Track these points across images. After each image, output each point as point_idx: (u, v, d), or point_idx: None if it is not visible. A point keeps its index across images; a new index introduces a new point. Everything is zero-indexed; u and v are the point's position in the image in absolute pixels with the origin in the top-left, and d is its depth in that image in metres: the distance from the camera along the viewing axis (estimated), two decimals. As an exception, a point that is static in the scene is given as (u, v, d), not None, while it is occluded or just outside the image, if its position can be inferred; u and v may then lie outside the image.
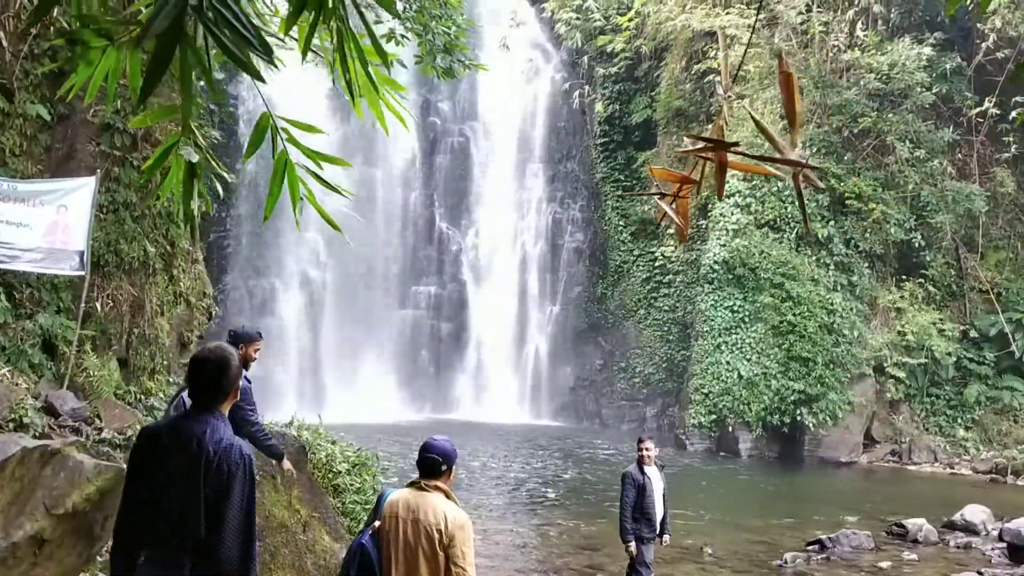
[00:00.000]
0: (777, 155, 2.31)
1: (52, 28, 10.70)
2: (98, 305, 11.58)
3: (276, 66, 2.57)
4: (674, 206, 2.66)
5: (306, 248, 27.51)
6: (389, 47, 12.67)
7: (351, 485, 7.53)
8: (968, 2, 23.27)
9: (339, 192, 2.89)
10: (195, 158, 2.79)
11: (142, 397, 12.15)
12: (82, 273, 10.15)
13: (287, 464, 6.35)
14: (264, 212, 2.94)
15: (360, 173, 28.63)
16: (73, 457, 4.69)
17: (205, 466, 3.29)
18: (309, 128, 2.84)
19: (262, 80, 2.63)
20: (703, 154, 2.43)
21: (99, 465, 4.77)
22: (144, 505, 3.36)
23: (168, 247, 12.92)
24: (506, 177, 30.86)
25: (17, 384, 9.21)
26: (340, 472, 7.41)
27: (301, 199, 2.87)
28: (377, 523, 4.32)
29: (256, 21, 2.31)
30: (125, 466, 4.27)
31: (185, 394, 5.11)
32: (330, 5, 2.34)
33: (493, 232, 30.41)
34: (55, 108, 11.68)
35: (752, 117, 2.66)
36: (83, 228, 9.95)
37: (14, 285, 10.34)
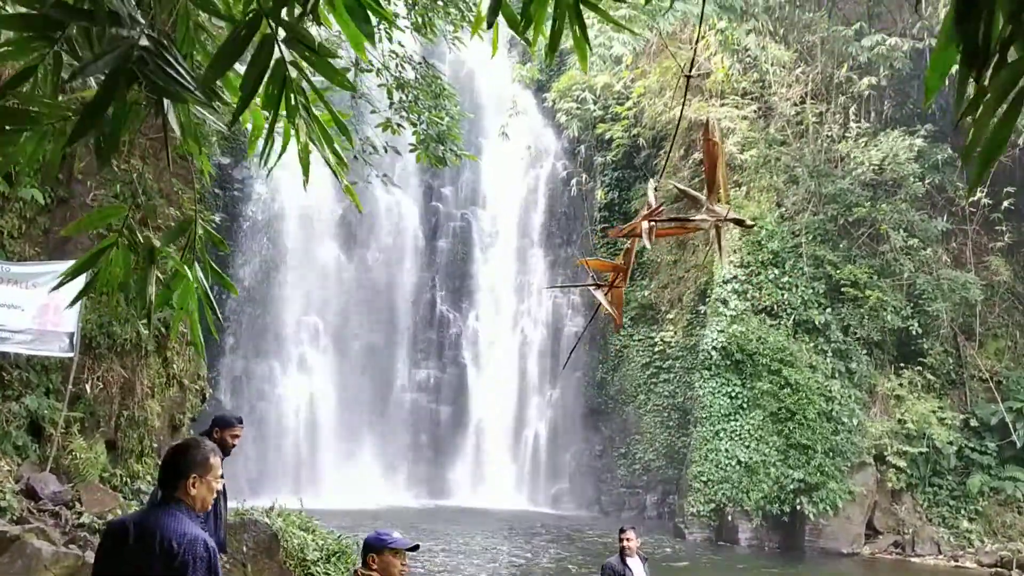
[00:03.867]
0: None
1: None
2: (88, 387, 11.62)
3: (216, 109, 2.65)
4: (608, 296, 2.73)
5: (306, 331, 27.60)
6: (385, 135, 13.04)
7: (325, 573, 7.44)
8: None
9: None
10: (156, 243, 2.87)
11: (128, 480, 12.08)
12: (71, 355, 10.22)
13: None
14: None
15: (361, 255, 28.95)
16: (32, 544, 4.68)
17: (168, 561, 3.30)
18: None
19: (209, 106, 2.69)
20: (635, 232, 2.53)
21: (57, 552, 4.76)
22: None
23: (162, 329, 12.98)
24: (507, 261, 31.12)
25: (-1, 466, 9.19)
26: (314, 560, 7.33)
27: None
28: None
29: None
30: (83, 552, 4.26)
31: None
32: (293, 103, 2.43)
33: (493, 316, 30.51)
34: (55, 192, 11.94)
35: (677, 188, 2.79)
36: (74, 310, 10.04)
37: (3, 367, 10.41)
